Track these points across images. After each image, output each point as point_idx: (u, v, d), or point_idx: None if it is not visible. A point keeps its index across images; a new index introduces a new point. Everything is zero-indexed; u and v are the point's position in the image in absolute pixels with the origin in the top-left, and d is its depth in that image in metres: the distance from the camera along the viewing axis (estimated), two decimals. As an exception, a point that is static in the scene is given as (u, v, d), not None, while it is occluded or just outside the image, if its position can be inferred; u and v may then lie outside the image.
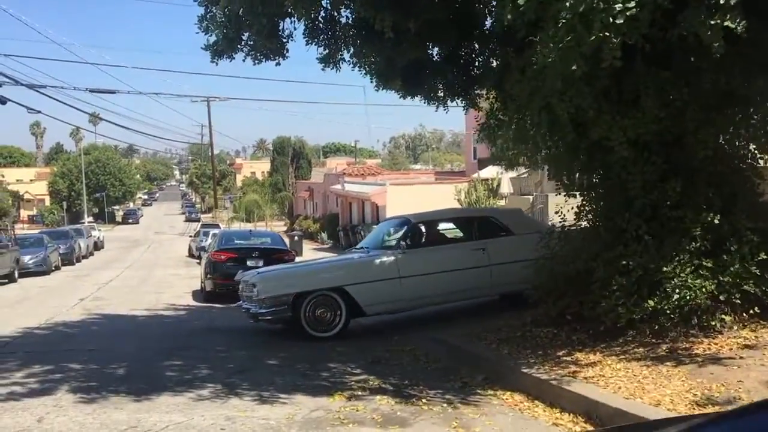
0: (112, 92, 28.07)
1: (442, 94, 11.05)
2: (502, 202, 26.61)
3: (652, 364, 6.13)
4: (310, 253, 32.95)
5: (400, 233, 10.61)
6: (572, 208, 8.44)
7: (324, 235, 41.45)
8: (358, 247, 11.87)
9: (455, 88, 10.89)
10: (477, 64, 10.87)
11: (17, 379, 7.66)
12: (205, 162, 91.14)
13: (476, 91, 11.25)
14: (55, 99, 37.98)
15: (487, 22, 10.36)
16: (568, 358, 6.77)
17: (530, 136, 8.35)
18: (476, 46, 10.75)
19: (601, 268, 7.19)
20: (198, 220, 66.21)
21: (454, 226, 11.25)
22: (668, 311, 6.64)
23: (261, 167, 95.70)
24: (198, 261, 29.34)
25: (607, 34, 5.34)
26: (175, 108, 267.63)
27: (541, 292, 8.18)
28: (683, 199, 6.96)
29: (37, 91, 26.87)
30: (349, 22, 8.85)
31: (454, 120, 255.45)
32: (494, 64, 10.52)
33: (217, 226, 40.30)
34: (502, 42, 8.62)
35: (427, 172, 52.78)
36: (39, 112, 30.18)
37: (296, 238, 33.06)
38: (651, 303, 6.72)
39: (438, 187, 32.88)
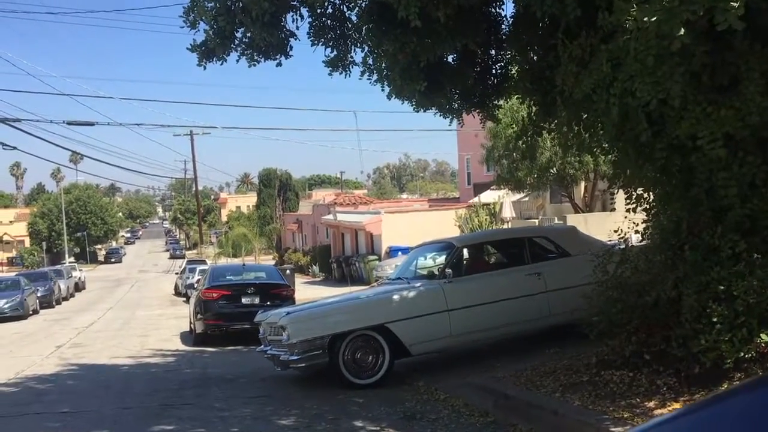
0: (91, 124, 26.66)
1: (456, 106, 9.88)
2: (505, 227, 25.37)
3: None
4: (302, 287, 31.46)
5: (443, 260, 9.22)
6: (634, 224, 7.13)
7: (315, 268, 39.93)
8: (392, 277, 10.45)
9: (472, 98, 9.71)
10: (494, 71, 9.74)
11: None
12: (188, 198, 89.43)
13: (494, 102, 10.07)
14: (32, 135, 36.45)
15: (503, 27, 9.30)
16: (666, 412, 5.37)
17: (586, 140, 7.06)
18: (493, 53, 9.65)
19: (692, 296, 5.82)
20: (183, 257, 64.39)
21: (503, 249, 9.87)
22: (788, 347, 5.29)
23: (246, 201, 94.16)
24: (185, 299, 27.83)
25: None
26: (158, 141, 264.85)
27: (605, 326, 6.80)
28: (791, 206, 5.65)
29: (10, 125, 25.40)
30: (364, 14, 7.55)
31: (437, 148, 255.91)
32: (514, 69, 9.38)
33: (203, 262, 38.76)
34: (546, 32, 7.34)
35: (420, 200, 51.49)
36: (14, 148, 28.75)
37: (288, 271, 31.53)
38: (765, 338, 5.37)
39: (434, 214, 31.58)
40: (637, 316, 6.42)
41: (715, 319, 5.56)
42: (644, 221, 7.01)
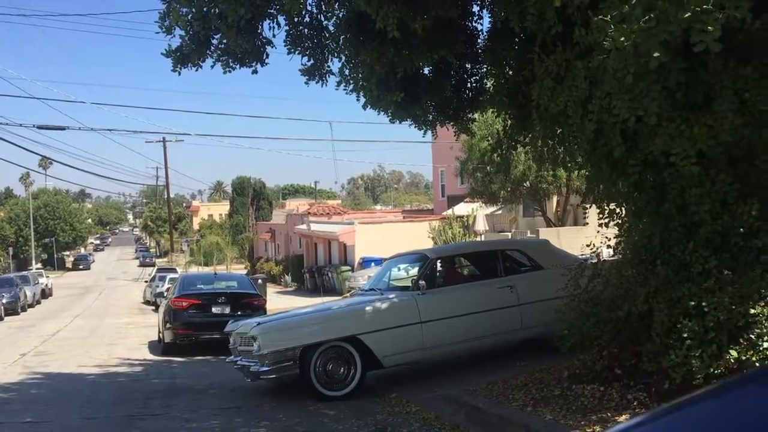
0: (62, 128, 26.21)
1: (431, 118, 9.91)
2: (478, 240, 25.46)
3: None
4: (274, 297, 31.22)
5: (417, 271, 9.20)
6: (606, 238, 7.18)
7: (288, 278, 39.69)
8: (365, 288, 10.40)
9: (447, 110, 9.75)
10: (469, 85, 9.81)
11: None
12: (160, 205, 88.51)
13: (468, 115, 10.12)
14: (1, 138, 35.91)
15: (479, 40, 9.37)
16: (636, 426, 5.38)
17: (560, 155, 7.10)
18: (468, 66, 9.71)
19: (663, 311, 5.86)
20: (153, 265, 63.60)
21: (476, 261, 9.88)
22: (757, 364, 5.33)
23: (219, 209, 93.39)
24: (154, 308, 27.46)
25: (706, 7, 4.11)
26: (130, 147, 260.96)
27: (577, 340, 6.82)
28: (761, 224, 5.71)
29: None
30: (341, 24, 7.53)
31: (411, 160, 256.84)
32: (489, 83, 9.44)
33: (174, 270, 38.32)
34: (522, 47, 7.39)
35: (394, 212, 51.52)
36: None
37: (260, 281, 31.25)
38: (734, 354, 5.41)
39: (408, 226, 31.63)
40: (609, 331, 6.45)
41: (685, 335, 5.59)
42: (616, 236, 7.05)
